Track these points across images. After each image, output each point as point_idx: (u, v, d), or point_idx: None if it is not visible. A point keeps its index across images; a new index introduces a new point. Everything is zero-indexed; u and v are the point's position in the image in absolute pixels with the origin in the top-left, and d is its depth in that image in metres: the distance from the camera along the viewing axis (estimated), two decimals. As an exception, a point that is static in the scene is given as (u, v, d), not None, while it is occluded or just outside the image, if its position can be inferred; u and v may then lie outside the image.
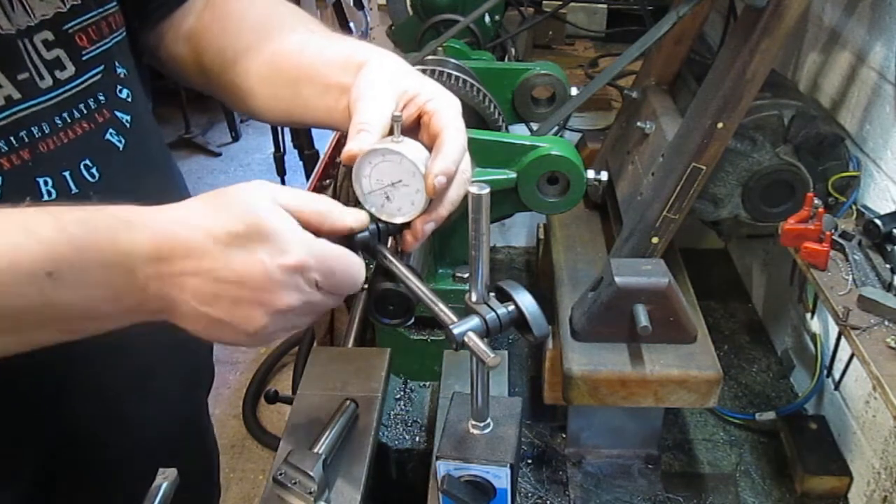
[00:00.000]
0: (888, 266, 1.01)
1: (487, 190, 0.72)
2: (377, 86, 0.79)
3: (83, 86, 0.86)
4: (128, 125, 0.92)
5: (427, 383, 1.28)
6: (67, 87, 0.84)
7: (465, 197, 0.75)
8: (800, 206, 1.08)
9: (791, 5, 1.01)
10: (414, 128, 0.81)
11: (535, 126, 1.42)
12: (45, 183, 0.82)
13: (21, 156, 0.79)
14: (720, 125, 1.08)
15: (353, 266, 0.71)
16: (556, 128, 1.41)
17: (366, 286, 0.82)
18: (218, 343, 0.73)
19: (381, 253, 0.81)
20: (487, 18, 1.81)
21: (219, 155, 5.00)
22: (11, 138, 0.78)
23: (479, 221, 0.73)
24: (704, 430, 1.29)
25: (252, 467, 2.78)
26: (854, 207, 1.17)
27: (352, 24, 4.90)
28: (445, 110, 0.79)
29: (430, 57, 1.43)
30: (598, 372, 1.04)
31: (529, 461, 1.19)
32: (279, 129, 3.56)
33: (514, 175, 1.14)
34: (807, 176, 1.20)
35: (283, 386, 3.01)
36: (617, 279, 1.03)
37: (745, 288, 1.68)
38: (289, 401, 1.07)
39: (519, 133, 1.27)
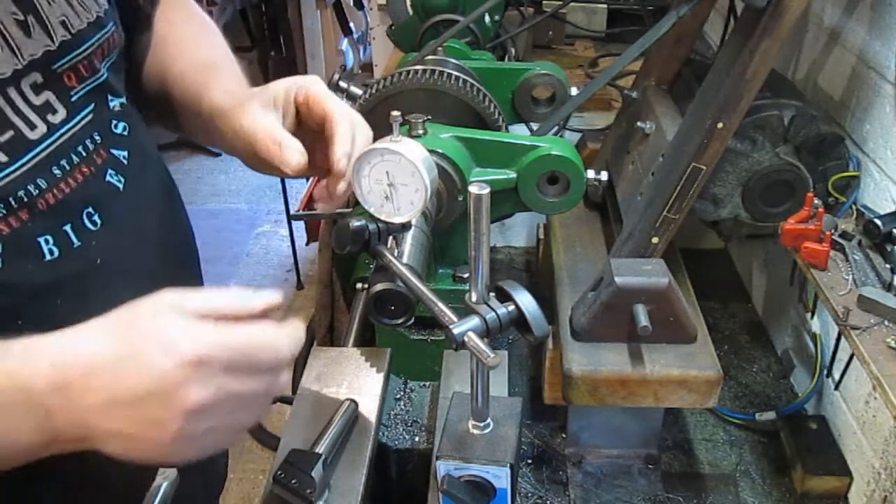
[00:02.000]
0: (888, 266, 1.01)
1: (487, 190, 0.72)
2: (259, 104, 0.85)
3: (76, 128, 0.81)
4: (125, 161, 0.87)
5: (427, 383, 1.28)
6: (62, 132, 0.79)
7: (466, 197, 0.75)
8: (800, 206, 1.08)
9: (791, 5, 1.01)
10: (299, 121, 0.86)
11: (535, 126, 1.42)
12: (46, 242, 0.77)
13: (20, 217, 0.74)
14: (720, 125, 1.08)
15: (266, 340, 0.66)
16: (556, 128, 1.41)
17: (366, 286, 0.82)
18: (148, 463, 0.66)
19: (381, 253, 0.81)
20: (487, 18, 1.81)
21: (219, 155, 4.99)
22: (10, 199, 0.73)
23: (479, 221, 0.73)
24: (704, 430, 1.29)
25: (252, 467, 2.78)
26: (854, 207, 1.17)
27: (352, 24, 4.90)
28: (315, 90, 0.83)
29: (430, 57, 1.43)
30: (598, 372, 1.04)
31: (529, 461, 1.19)
32: (279, 129, 3.57)
33: (514, 175, 1.14)
34: (807, 176, 1.20)
35: (283, 386, 3.00)
36: (617, 279, 1.03)
37: (745, 288, 1.68)
38: (289, 401, 1.07)
39: (519, 133, 1.27)
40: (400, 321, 0.87)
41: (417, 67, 1.24)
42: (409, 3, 1.90)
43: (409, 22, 1.89)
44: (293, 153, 0.82)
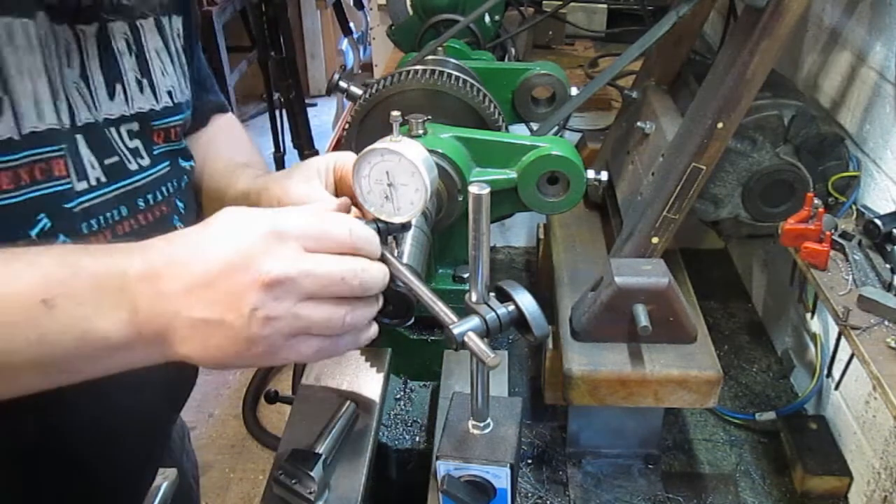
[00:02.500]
0: (888, 266, 1.01)
1: (487, 190, 0.72)
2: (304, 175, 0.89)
3: (158, 174, 0.90)
4: (183, 211, 0.95)
5: (427, 383, 1.28)
6: (150, 172, 0.88)
7: (466, 197, 0.75)
8: (800, 206, 1.08)
9: (791, 5, 1.01)
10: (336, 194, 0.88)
11: (535, 126, 1.42)
12: None
13: (105, 235, 0.81)
14: (720, 125, 1.08)
15: (350, 225, 0.68)
16: (556, 128, 1.41)
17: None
18: (220, 367, 0.67)
19: (380, 253, 0.81)
20: (487, 18, 1.81)
21: (219, 155, 5.00)
22: (100, 218, 0.81)
23: (479, 221, 0.73)
24: (704, 430, 1.29)
25: (252, 467, 2.78)
26: (854, 207, 1.17)
27: (352, 24, 4.90)
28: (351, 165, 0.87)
29: (430, 57, 1.43)
30: (598, 372, 1.04)
31: (529, 461, 1.19)
32: (279, 129, 3.56)
33: (514, 175, 1.14)
34: (807, 176, 1.20)
35: (283, 386, 3.01)
36: (617, 279, 1.03)
37: (745, 288, 1.68)
38: (289, 401, 1.07)
39: (519, 133, 1.27)
40: (400, 321, 0.87)
41: (417, 67, 1.24)
42: (409, 3, 1.90)
43: (409, 22, 1.89)
44: (343, 214, 0.81)
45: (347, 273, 0.65)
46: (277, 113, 3.42)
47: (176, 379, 1.05)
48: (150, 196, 0.88)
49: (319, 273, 0.64)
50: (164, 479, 0.87)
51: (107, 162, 0.82)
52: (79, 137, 0.79)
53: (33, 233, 0.74)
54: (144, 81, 0.88)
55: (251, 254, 0.62)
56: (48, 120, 0.74)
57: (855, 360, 0.94)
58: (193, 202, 1.00)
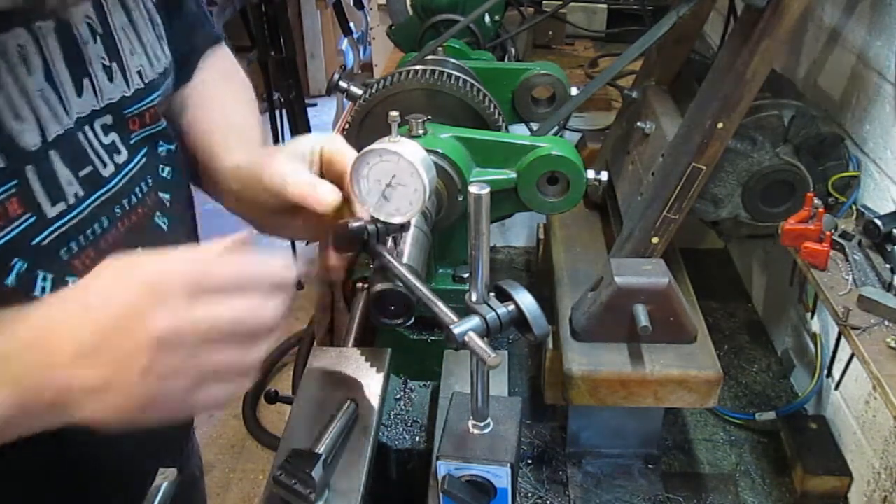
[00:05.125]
0: (888, 266, 1.01)
1: (487, 190, 0.72)
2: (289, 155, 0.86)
3: (135, 169, 0.84)
4: (168, 204, 0.90)
5: (427, 383, 1.28)
6: (125, 172, 0.82)
7: (466, 197, 0.75)
8: (800, 206, 1.08)
9: (791, 5, 1.01)
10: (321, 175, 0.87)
11: (535, 126, 1.42)
12: None
13: (88, 254, 0.77)
14: (720, 125, 1.08)
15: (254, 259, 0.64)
16: (556, 128, 1.41)
17: (366, 286, 0.82)
18: (129, 426, 0.62)
19: (380, 253, 0.81)
20: (487, 18, 1.81)
21: (219, 155, 5.00)
22: (84, 235, 0.76)
23: (479, 221, 0.73)
24: (704, 430, 1.29)
25: (252, 467, 2.78)
26: (854, 207, 1.17)
27: (352, 24, 4.90)
28: (338, 147, 0.85)
29: (430, 57, 1.43)
30: (598, 372, 1.04)
31: (529, 461, 1.19)
32: (279, 129, 3.57)
33: (514, 175, 1.14)
34: (807, 176, 1.20)
35: (283, 386, 3.01)
36: (617, 279, 1.03)
37: (745, 288, 1.68)
38: (289, 401, 1.07)
39: (519, 133, 1.27)
40: (400, 321, 0.87)
41: (417, 67, 1.24)
42: (409, 3, 1.90)
43: (409, 22, 1.89)
44: (327, 191, 0.81)
45: (239, 315, 0.62)
46: (277, 113, 3.43)
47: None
48: (125, 201, 0.82)
49: (209, 320, 0.60)
50: (164, 479, 0.87)
51: (82, 174, 0.76)
52: (52, 154, 0.73)
53: (9, 281, 0.70)
54: (114, 66, 0.80)
55: (136, 312, 0.59)
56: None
57: (855, 360, 0.94)
58: (181, 183, 0.95)
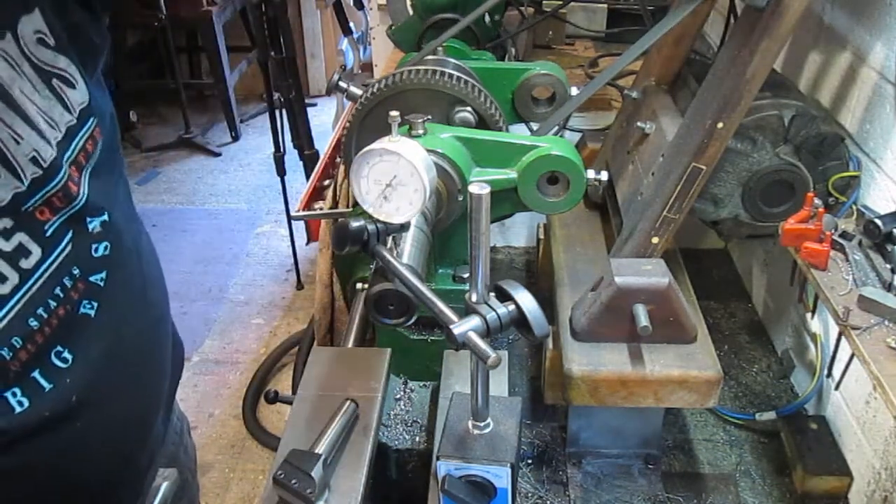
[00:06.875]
0: (888, 266, 1.01)
1: (487, 190, 0.72)
2: None
3: (53, 266, 0.73)
4: (103, 283, 0.79)
5: (427, 383, 1.28)
6: (36, 276, 0.71)
7: (466, 197, 0.75)
8: (800, 206, 1.08)
9: (791, 5, 1.01)
10: None
11: (535, 126, 1.42)
12: (14, 395, 0.70)
13: (27, 351, 0.71)
14: (720, 125, 1.08)
15: None
16: (556, 128, 1.41)
17: (366, 286, 0.82)
18: None
19: (380, 253, 0.81)
20: (487, 18, 1.81)
21: (219, 155, 4.99)
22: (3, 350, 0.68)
23: (479, 221, 0.73)
24: (704, 430, 1.29)
25: (252, 467, 2.77)
26: (854, 207, 1.17)
27: (352, 24, 4.90)
28: None
29: (430, 57, 1.43)
30: (598, 372, 1.04)
31: (529, 461, 1.19)
32: (279, 128, 3.56)
33: (514, 175, 1.14)
34: (807, 176, 1.20)
35: (283, 386, 3.01)
36: (617, 279, 1.03)
37: (745, 288, 1.68)
38: (289, 401, 1.07)
39: (519, 133, 1.27)
40: (400, 321, 0.87)
41: (417, 67, 1.24)
42: (409, 3, 1.90)
43: (409, 22, 1.89)
44: None
45: None
46: (277, 113, 3.42)
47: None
48: (50, 301, 0.72)
49: None
50: (164, 479, 0.87)
51: None
52: None
53: None
54: None
55: None
56: None
57: (855, 360, 0.94)
58: (126, 247, 0.83)
